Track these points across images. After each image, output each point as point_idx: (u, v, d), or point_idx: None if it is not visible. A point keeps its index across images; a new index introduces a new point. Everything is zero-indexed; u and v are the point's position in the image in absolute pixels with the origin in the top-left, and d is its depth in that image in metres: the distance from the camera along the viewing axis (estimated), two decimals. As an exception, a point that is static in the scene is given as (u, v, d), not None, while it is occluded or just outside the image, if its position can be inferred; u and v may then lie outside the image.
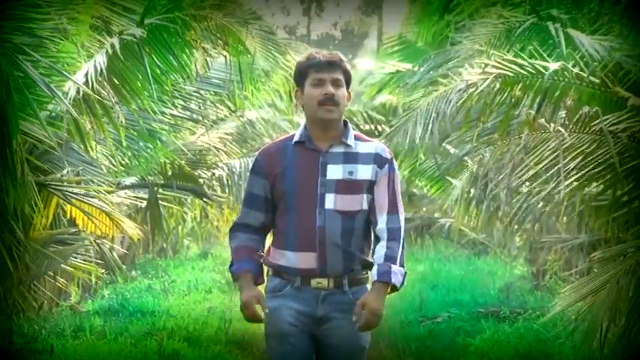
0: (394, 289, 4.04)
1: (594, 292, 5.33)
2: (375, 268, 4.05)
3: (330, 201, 4.06)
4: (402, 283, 4.06)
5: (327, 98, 4.08)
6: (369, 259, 4.13)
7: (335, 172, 4.10)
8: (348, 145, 4.13)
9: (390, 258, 4.03)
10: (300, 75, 4.17)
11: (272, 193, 4.14)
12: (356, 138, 4.17)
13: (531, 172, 6.25)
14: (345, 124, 4.18)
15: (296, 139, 4.17)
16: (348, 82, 4.15)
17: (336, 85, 4.10)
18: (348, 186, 4.08)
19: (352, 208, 4.08)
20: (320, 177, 4.09)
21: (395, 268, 4.03)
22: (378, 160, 4.13)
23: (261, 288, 4.20)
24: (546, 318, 6.28)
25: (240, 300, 4.09)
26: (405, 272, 4.07)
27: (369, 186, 4.11)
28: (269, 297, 4.13)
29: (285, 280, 4.11)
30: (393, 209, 4.11)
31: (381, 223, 4.09)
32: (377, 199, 4.11)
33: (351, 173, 4.09)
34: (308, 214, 4.06)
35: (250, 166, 4.45)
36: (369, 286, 4.13)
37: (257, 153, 4.26)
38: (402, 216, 4.14)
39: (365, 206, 4.10)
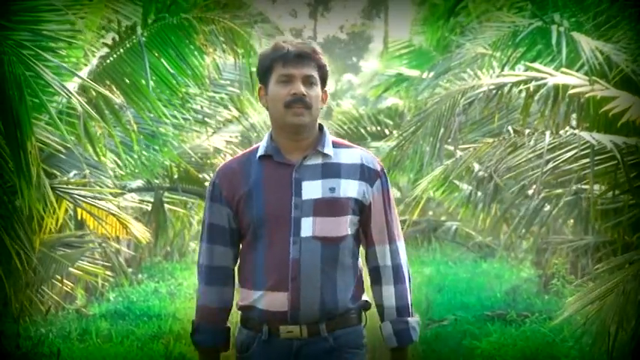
0: None
1: (601, 297, 5.31)
2: (389, 328, 3.35)
3: (308, 226, 3.24)
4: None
5: (296, 99, 3.23)
6: (359, 298, 3.36)
7: (312, 189, 3.26)
8: (326, 155, 3.30)
9: (403, 309, 3.36)
10: (264, 70, 3.31)
11: (236, 221, 3.34)
12: (335, 145, 3.35)
13: (520, 158, 6.24)
14: (321, 128, 3.35)
15: (260, 152, 3.33)
16: (323, 80, 3.32)
17: (308, 83, 3.26)
18: (329, 206, 3.26)
19: (335, 233, 3.26)
20: (294, 197, 3.25)
21: (412, 321, 3.36)
22: (366, 174, 3.33)
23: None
24: (554, 323, 6.26)
25: None
26: (418, 320, 3.41)
27: (355, 206, 3.30)
28: (238, 358, 3.40)
29: (252, 333, 3.33)
30: (393, 237, 3.37)
31: (382, 259, 3.36)
32: (374, 227, 3.36)
33: (332, 190, 3.27)
34: (280, 244, 3.25)
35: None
36: (360, 328, 3.37)
37: (214, 174, 3.42)
38: (402, 242, 3.42)
39: (350, 231, 3.30)
